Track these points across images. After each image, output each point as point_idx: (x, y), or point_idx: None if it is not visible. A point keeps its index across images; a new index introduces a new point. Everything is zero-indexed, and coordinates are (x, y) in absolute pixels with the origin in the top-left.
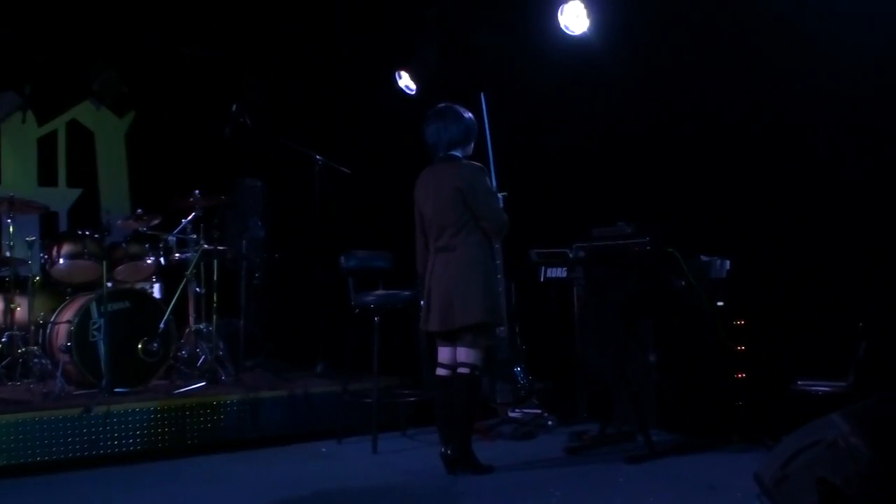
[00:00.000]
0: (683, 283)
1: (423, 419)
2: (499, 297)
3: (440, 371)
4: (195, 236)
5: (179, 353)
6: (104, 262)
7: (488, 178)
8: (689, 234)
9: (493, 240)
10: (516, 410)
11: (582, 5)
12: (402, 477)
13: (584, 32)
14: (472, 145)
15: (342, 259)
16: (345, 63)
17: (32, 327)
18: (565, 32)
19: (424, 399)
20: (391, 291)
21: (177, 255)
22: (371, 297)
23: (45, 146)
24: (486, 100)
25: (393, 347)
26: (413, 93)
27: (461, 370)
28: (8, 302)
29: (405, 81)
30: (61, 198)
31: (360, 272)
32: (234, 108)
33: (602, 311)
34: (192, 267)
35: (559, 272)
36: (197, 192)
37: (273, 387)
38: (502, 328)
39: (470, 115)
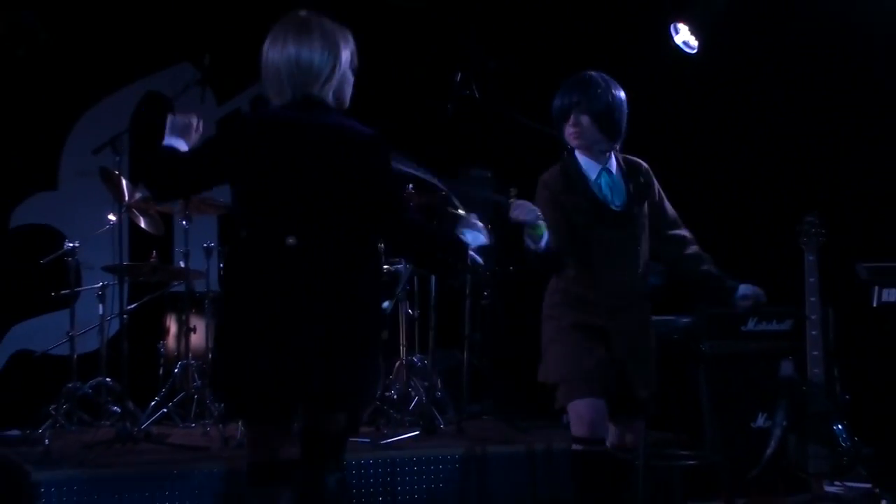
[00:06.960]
0: None
1: (705, 489)
2: None
3: None
4: None
5: (387, 393)
6: None
7: None
8: None
9: None
10: (836, 483)
11: None
12: None
13: None
14: None
15: None
16: (598, 13)
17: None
18: None
19: (707, 462)
20: (666, 317)
21: (384, 266)
22: None
23: None
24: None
25: (665, 390)
26: (693, 51)
27: None
28: (181, 325)
29: (683, 37)
30: None
31: None
32: (457, 76)
33: None
34: (402, 283)
35: None
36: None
37: (506, 439)
38: None
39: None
